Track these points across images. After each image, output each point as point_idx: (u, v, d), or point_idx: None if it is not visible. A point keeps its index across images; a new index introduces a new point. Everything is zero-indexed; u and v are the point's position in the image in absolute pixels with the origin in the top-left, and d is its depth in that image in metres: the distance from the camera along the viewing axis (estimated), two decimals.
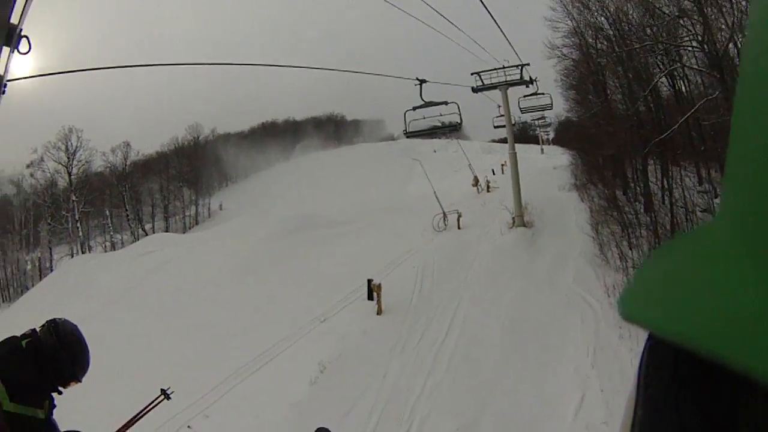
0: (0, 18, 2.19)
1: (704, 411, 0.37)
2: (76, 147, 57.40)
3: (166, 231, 59.81)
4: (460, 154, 67.72)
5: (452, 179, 43.77)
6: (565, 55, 29.59)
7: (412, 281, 17.76)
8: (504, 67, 24.64)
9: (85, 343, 2.91)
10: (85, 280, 31.34)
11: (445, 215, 25.87)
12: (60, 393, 2.83)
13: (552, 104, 29.22)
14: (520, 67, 24.21)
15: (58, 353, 2.72)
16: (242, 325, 18.00)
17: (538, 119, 43.69)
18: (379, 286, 15.48)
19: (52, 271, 47.03)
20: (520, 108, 29.12)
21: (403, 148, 64.06)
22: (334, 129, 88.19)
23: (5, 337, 2.77)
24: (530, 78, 24.70)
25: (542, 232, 21.74)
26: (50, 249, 55.08)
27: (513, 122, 43.08)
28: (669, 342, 0.36)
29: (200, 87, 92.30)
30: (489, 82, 24.77)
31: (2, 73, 2.54)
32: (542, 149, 63.83)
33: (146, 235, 60.39)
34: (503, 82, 24.52)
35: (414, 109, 19.84)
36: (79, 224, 56.01)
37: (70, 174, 57.01)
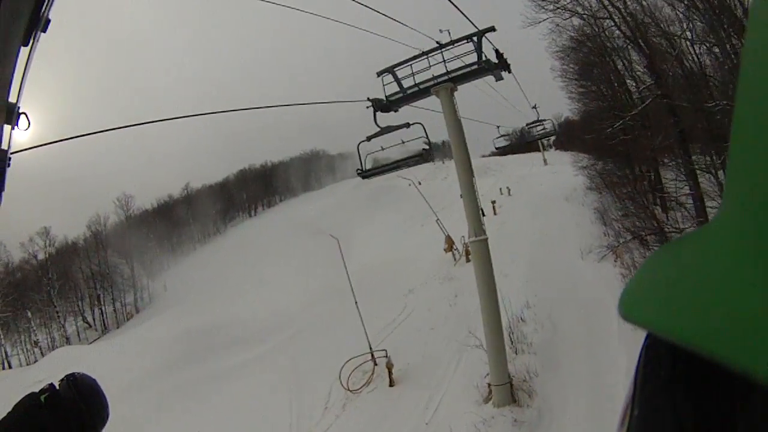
0: None
1: (701, 411, 0.36)
2: None
3: (103, 323, 48.08)
4: (450, 182, 53.91)
5: (427, 232, 29.68)
6: (558, 19, 17.14)
7: None
8: (442, 47, 11.44)
9: (105, 397, 2.09)
10: None
11: (373, 356, 14.73)
12: None
13: (555, 130, 27.50)
14: (474, 39, 11.06)
15: (78, 406, 1.98)
16: None
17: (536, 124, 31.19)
18: None
19: None
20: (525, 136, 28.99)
21: (372, 189, 50.86)
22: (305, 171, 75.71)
23: (25, 394, 1.98)
24: (500, 58, 11.45)
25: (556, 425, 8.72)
26: None
27: (506, 133, 29.89)
28: (667, 341, 0.35)
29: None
30: (417, 81, 11.67)
31: (6, 148, 2.56)
32: (545, 159, 50.56)
33: (89, 326, 49.29)
34: (443, 76, 11.37)
35: (368, 139, 11.12)
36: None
37: None
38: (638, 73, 16.71)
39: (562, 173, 34.58)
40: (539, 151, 54.44)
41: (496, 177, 47.11)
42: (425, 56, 11.56)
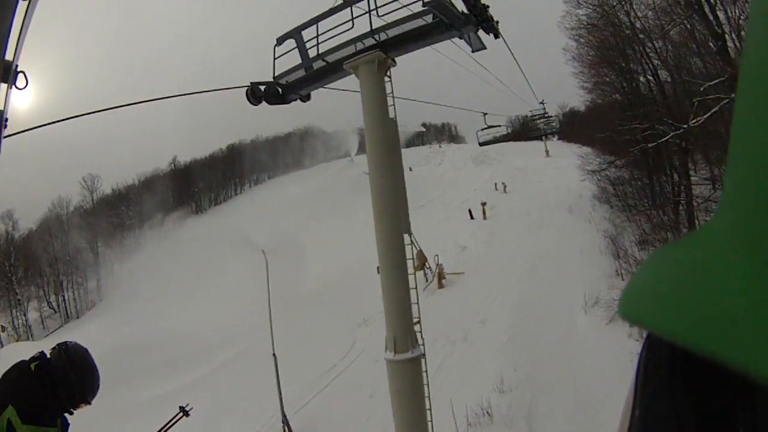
0: None
1: (701, 410, 0.36)
2: None
3: (66, 310, 44.40)
4: (444, 169, 48.77)
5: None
6: None
7: None
8: None
9: (96, 367, 2.70)
10: None
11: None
12: (71, 413, 2.63)
13: (559, 126, 28.54)
14: None
15: (68, 375, 2.56)
16: None
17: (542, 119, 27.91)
18: None
19: None
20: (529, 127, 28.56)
21: (359, 175, 45.86)
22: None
23: (16, 362, 2.59)
24: (472, 7, 6.66)
25: None
26: None
27: (495, 124, 24.28)
28: (667, 341, 0.35)
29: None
30: (323, 50, 7.02)
31: (2, 108, 2.41)
32: (547, 151, 45.71)
33: (55, 311, 46.85)
34: (366, 37, 6.76)
35: None
36: None
37: None
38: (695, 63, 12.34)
39: (565, 169, 30.13)
40: (541, 139, 49.75)
41: (493, 167, 42.40)
42: (347, 6, 6.95)
